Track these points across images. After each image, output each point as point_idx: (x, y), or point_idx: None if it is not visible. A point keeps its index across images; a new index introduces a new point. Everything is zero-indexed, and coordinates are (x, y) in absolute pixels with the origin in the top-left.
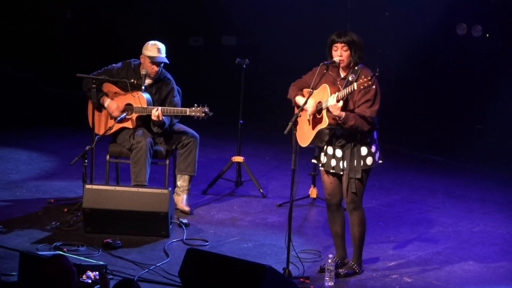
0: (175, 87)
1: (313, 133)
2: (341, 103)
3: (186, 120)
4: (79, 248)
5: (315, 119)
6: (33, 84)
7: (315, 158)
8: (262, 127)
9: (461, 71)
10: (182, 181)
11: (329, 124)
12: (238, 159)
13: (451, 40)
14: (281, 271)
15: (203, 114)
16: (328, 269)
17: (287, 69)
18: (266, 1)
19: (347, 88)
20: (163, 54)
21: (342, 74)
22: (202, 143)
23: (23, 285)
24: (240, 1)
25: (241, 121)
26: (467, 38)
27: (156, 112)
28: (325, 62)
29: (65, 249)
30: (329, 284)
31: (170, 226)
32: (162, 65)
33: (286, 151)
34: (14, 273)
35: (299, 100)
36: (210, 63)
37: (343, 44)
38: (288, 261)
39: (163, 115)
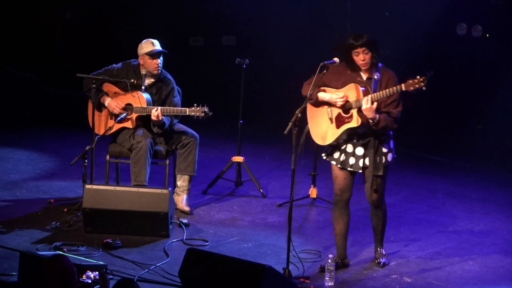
0: (175, 87)
1: (338, 132)
2: (375, 104)
3: (186, 120)
4: (79, 248)
5: (340, 118)
6: (33, 84)
7: (326, 155)
8: (262, 127)
9: (461, 71)
10: (182, 181)
11: (361, 124)
12: (238, 159)
13: (451, 40)
14: (281, 271)
15: (203, 114)
16: (328, 269)
17: (287, 69)
18: (266, 1)
19: (389, 89)
20: (159, 46)
21: (364, 75)
22: (202, 143)
23: (23, 285)
24: (240, 1)
25: (241, 121)
26: (467, 38)
27: (155, 112)
28: (325, 62)
29: (65, 249)
30: (329, 284)
31: (170, 226)
32: (161, 61)
33: (286, 151)
34: (14, 273)
35: (323, 95)
36: (210, 63)
37: (363, 48)
38: (288, 261)
39: (163, 115)
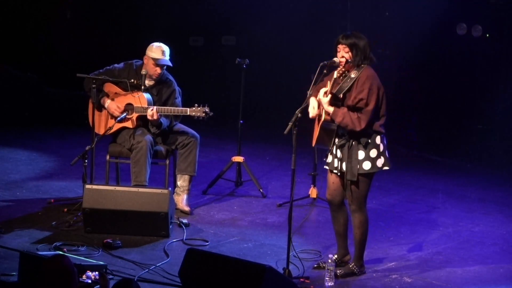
0: (177, 88)
1: (317, 131)
2: (328, 97)
3: (186, 120)
4: (79, 248)
5: (320, 117)
6: (33, 84)
7: (326, 157)
8: (262, 127)
9: (461, 71)
10: (182, 181)
11: (324, 120)
12: (238, 159)
13: (451, 40)
14: (281, 271)
15: (204, 114)
16: (328, 269)
17: (287, 69)
18: (266, 2)
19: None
20: (167, 57)
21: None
22: (202, 143)
23: (23, 285)
24: (240, 1)
25: (241, 121)
26: (467, 38)
27: (150, 112)
28: (325, 62)
29: (65, 249)
30: (329, 284)
31: (170, 226)
32: (165, 67)
33: (286, 151)
34: (14, 273)
35: (311, 101)
36: (210, 63)
37: (344, 46)
38: (288, 261)
39: (164, 115)
